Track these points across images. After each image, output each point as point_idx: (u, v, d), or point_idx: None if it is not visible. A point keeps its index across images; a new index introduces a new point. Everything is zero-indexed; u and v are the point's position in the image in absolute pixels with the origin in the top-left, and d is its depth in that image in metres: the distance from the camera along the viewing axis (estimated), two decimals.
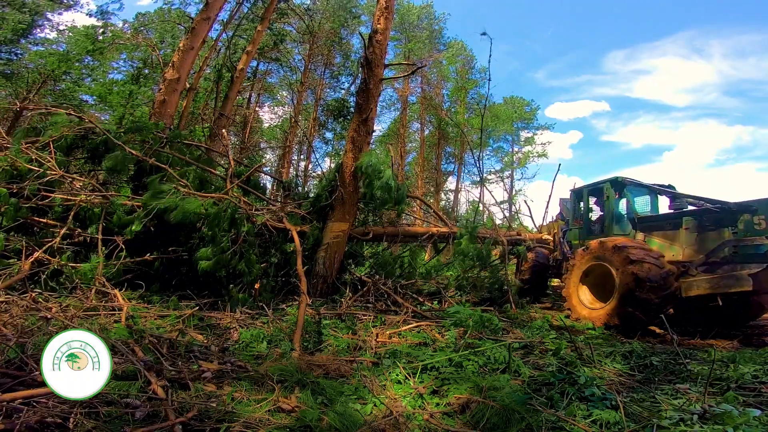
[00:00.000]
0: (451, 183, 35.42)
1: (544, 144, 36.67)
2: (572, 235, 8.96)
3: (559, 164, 18.97)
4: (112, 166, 6.94)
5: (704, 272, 6.15)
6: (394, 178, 7.16)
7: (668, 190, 7.71)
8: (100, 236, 6.03)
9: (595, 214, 8.87)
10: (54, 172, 6.54)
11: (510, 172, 37.39)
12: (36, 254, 5.49)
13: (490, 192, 31.36)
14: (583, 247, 7.40)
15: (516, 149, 38.66)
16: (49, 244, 5.77)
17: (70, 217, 6.14)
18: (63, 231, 5.95)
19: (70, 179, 6.86)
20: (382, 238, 8.63)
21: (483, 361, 3.96)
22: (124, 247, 6.00)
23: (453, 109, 33.61)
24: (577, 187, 9.13)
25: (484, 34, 12.60)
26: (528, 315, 6.98)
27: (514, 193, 36.11)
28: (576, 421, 2.76)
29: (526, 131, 38.39)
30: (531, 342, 5.00)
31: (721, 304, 5.97)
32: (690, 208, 7.09)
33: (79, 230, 6.20)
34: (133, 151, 7.12)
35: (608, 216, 7.93)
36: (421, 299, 7.14)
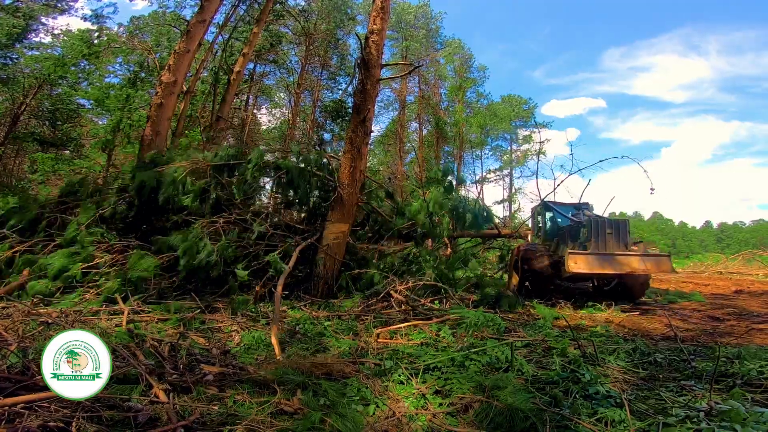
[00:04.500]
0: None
1: (543, 142, 36.71)
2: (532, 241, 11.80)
3: (589, 180, 19.75)
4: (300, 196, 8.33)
5: None
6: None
7: (567, 216, 10.13)
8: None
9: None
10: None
11: (509, 170, 37.48)
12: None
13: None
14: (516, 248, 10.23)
15: (515, 147, 38.75)
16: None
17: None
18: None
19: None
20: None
21: (486, 361, 3.94)
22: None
23: (451, 108, 33.63)
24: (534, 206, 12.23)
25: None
26: (529, 313, 6.96)
27: (513, 191, 36.21)
28: (581, 419, 2.74)
29: (524, 129, 38.49)
30: (534, 340, 4.98)
31: (596, 283, 10.16)
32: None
33: None
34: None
35: (544, 227, 10.94)
36: (422, 301, 7.11)
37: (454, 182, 9.94)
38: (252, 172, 7.79)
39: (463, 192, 10.75)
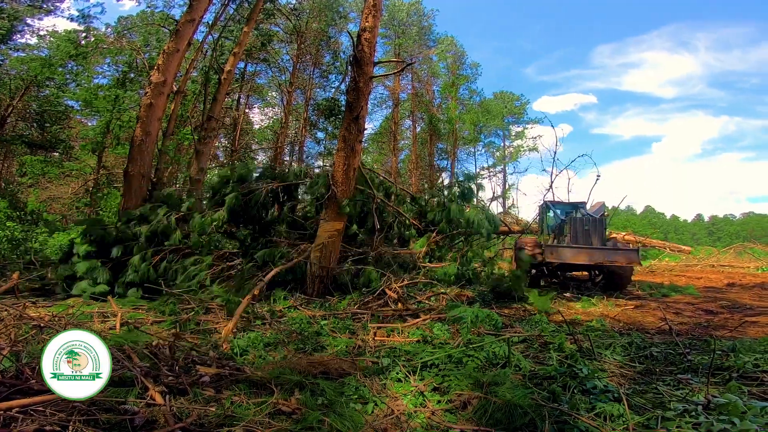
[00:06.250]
0: (444, 179, 35.43)
1: (535, 138, 36.78)
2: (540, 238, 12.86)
3: (598, 176, 20.39)
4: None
5: None
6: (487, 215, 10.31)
7: (562, 217, 11.25)
8: None
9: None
10: None
11: (502, 166, 37.59)
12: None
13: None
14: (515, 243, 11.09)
15: (507, 144, 38.87)
16: None
17: None
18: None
19: None
20: None
21: (483, 357, 3.94)
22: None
23: (444, 105, 33.64)
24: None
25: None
26: (525, 308, 6.98)
27: (507, 187, 36.35)
28: (580, 414, 2.75)
29: (516, 126, 38.60)
30: (530, 336, 4.99)
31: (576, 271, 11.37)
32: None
33: None
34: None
35: (545, 224, 12.27)
36: (420, 297, 7.11)
37: (475, 189, 10.61)
38: (319, 190, 8.63)
39: (456, 188, 10.90)
